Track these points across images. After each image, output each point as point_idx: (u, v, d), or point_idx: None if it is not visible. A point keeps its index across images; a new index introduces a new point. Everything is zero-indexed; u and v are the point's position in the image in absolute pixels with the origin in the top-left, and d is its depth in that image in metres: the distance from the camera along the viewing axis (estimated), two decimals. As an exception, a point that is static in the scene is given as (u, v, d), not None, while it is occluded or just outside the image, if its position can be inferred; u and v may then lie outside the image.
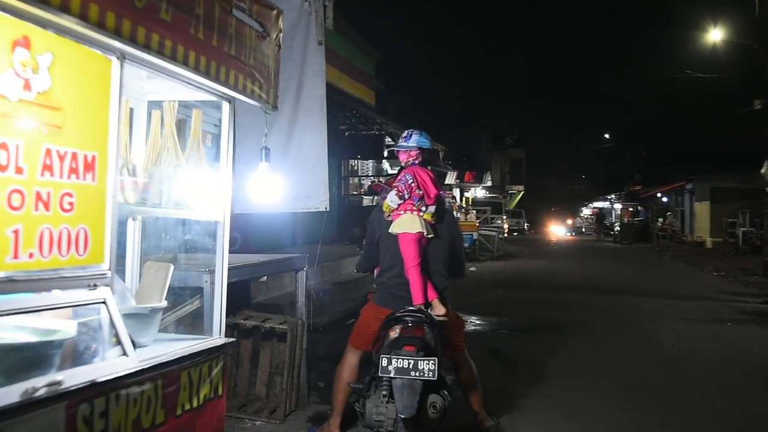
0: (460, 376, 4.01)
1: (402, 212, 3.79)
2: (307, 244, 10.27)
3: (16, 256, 1.89)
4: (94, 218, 2.18)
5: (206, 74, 2.59)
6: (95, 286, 2.18)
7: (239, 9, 2.77)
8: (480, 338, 7.28)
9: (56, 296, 2.07)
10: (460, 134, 34.44)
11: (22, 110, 1.90)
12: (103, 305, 2.20)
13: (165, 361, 2.47)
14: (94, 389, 2.05)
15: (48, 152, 1.99)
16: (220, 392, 2.81)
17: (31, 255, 1.94)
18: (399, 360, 3.28)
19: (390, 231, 3.79)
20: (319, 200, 4.67)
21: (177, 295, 3.28)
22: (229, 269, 3.07)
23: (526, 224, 44.19)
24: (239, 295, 4.33)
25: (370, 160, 18.23)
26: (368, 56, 18.03)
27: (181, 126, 3.06)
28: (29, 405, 1.82)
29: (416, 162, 3.91)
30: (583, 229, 48.51)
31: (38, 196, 1.96)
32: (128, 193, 2.69)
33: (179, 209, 2.97)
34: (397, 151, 4.05)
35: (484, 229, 21.41)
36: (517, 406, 4.74)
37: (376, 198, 12.82)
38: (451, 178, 23.27)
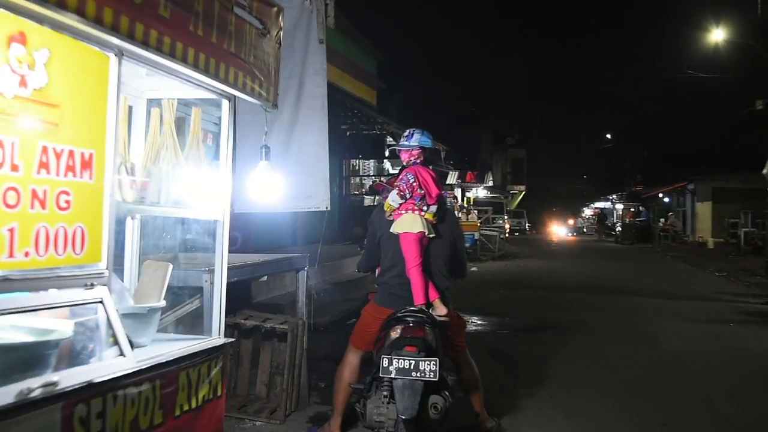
0: (461, 376, 3.99)
1: (403, 212, 3.76)
2: (307, 244, 10.24)
3: (11, 255, 1.87)
4: (92, 217, 2.16)
5: (206, 71, 2.56)
6: (92, 285, 2.15)
7: (239, 6, 2.75)
8: (481, 338, 7.26)
9: (52, 296, 2.05)
10: (461, 134, 34.48)
11: (17, 107, 1.88)
12: (100, 305, 2.18)
13: (163, 361, 2.45)
14: (90, 390, 2.02)
15: (44, 150, 1.97)
16: (219, 393, 2.79)
17: (26, 254, 1.92)
18: (400, 360, 3.26)
19: (391, 230, 3.77)
20: (320, 200, 4.67)
21: (176, 294, 3.26)
22: (229, 269, 3.05)
23: (527, 224, 44.17)
24: (239, 294, 4.32)
25: (372, 160, 18.23)
26: (370, 55, 17.98)
27: (181, 124, 3.03)
28: (24, 406, 1.79)
29: (418, 161, 3.89)
30: (585, 230, 48.50)
31: (34, 194, 1.94)
32: (126, 191, 2.67)
33: (178, 208, 2.95)
34: (399, 150, 4.03)
35: (486, 229, 21.43)
36: (518, 407, 4.73)
37: (377, 198, 12.80)
38: (452, 178, 23.31)
